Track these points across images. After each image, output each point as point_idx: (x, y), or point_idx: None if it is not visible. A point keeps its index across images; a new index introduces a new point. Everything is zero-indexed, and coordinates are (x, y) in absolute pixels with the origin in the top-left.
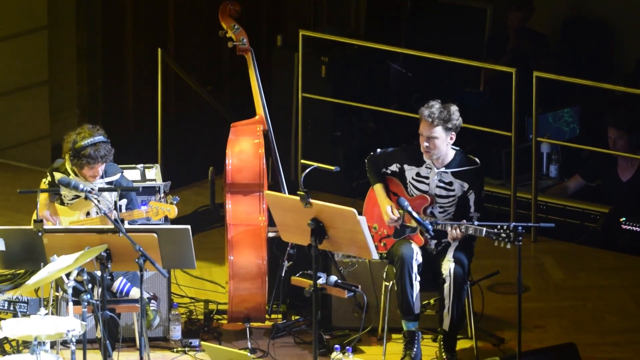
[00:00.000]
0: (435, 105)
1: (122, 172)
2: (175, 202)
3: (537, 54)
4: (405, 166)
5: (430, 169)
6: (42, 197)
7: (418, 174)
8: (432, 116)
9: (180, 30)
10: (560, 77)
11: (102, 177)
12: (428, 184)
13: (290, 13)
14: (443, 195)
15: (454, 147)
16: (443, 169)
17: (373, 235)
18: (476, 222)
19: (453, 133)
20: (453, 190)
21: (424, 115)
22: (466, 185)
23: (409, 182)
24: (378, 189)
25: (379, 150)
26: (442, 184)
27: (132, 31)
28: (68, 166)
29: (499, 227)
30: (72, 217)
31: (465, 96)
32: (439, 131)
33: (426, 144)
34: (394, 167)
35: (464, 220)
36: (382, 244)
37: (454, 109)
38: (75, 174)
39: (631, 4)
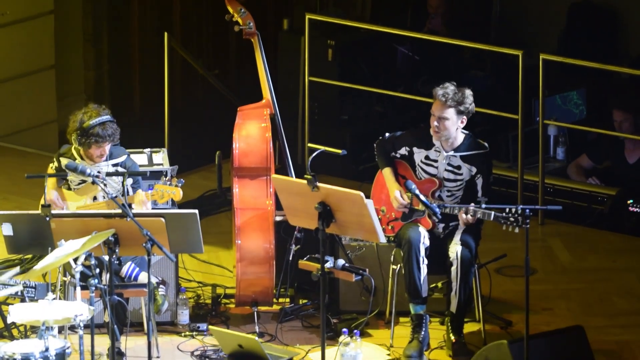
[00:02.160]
0: (450, 87)
1: (128, 154)
2: (180, 184)
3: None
4: (415, 149)
5: (439, 152)
6: (50, 182)
7: (427, 157)
8: (445, 96)
9: (187, 14)
10: (566, 59)
11: (107, 160)
12: (437, 167)
13: None
14: (451, 179)
15: (463, 131)
16: (452, 153)
17: (381, 219)
18: (484, 206)
19: (464, 117)
20: (461, 174)
21: (438, 94)
22: (474, 170)
23: (418, 164)
24: (387, 173)
25: (387, 134)
26: (450, 168)
27: (139, 15)
28: (74, 151)
29: (507, 210)
30: (79, 201)
31: (472, 79)
32: (450, 113)
33: (436, 123)
34: (403, 151)
35: (472, 204)
36: (389, 227)
37: (469, 92)
38: (82, 158)
39: None
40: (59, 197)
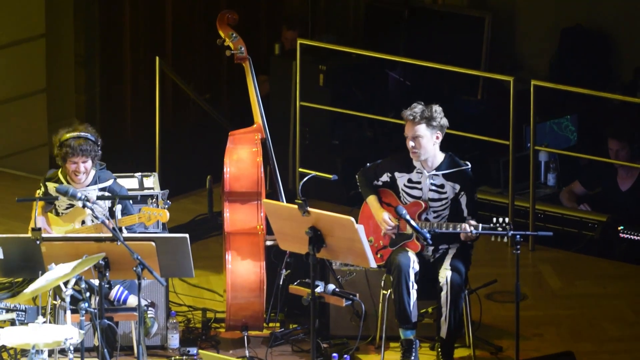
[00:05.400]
0: (418, 106)
1: (115, 179)
2: (166, 206)
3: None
4: (396, 174)
5: (421, 173)
6: (39, 207)
7: (410, 180)
8: (414, 115)
9: (178, 39)
10: (557, 85)
11: (95, 184)
12: (421, 189)
13: (288, 22)
14: (436, 199)
15: (442, 152)
16: (434, 172)
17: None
18: (473, 223)
19: (438, 132)
20: (445, 192)
21: (406, 115)
22: (457, 187)
23: (402, 189)
24: (371, 200)
25: (368, 164)
26: (434, 187)
27: (130, 39)
28: (61, 175)
29: (494, 221)
30: (68, 226)
31: (463, 104)
32: (422, 129)
33: (412, 144)
34: (385, 177)
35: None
36: (378, 256)
37: (437, 108)
38: (68, 182)
39: (629, 14)
40: (46, 225)
